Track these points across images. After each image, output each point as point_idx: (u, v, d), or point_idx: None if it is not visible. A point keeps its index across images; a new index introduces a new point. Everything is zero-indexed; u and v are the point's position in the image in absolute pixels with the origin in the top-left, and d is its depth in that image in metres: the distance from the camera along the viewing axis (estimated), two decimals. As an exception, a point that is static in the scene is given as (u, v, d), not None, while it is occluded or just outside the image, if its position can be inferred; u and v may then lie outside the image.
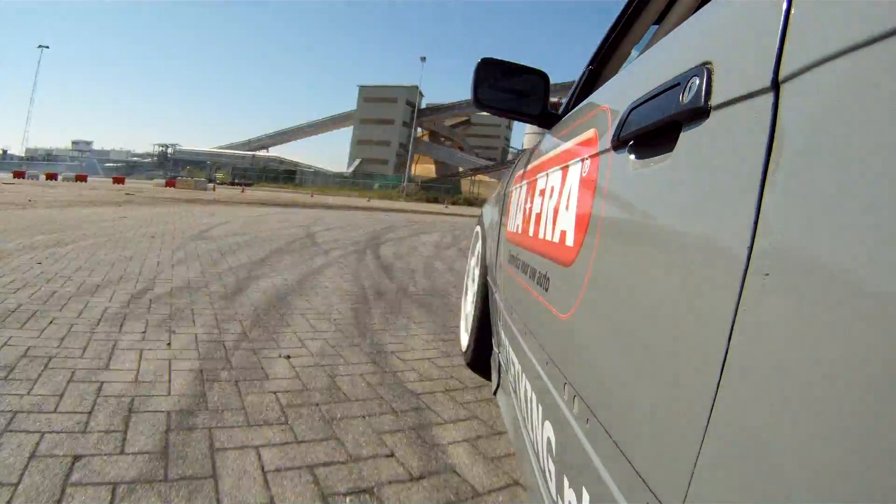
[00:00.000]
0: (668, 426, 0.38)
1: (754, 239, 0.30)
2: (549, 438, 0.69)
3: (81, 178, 29.34)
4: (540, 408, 0.76)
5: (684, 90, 0.41)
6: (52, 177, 29.96)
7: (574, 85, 1.18)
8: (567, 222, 0.71)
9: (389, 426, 1.38)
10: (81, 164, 66.72)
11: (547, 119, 1.18)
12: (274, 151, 67.48)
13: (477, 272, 2.06)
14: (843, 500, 0.22)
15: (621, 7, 1.04)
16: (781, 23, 0.32)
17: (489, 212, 1.85)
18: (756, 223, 0.30)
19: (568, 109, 1.12)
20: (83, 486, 0.98)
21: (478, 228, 2.13)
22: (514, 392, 1.03)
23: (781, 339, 0.28)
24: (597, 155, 0.65)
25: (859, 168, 0.25)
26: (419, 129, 56.47)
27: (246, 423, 1.31)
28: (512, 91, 1.23)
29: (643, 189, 0.49)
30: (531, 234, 0.97)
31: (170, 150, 69.90)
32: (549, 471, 0.67)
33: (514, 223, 1.23)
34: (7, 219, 5.71)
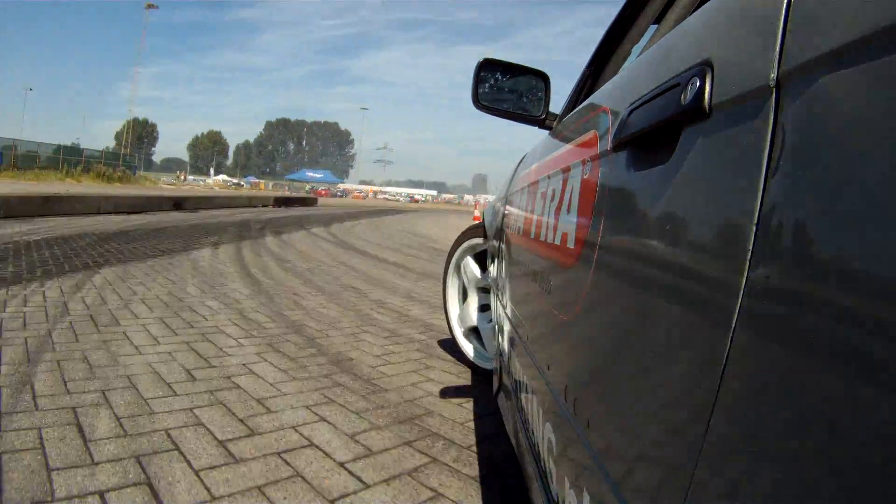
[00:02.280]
0: (668, 428, 0.38)
1: (755, 240, 0.30)
2: (549, 440, 0.69)
3: None
4: (541, 409, 0.76)
5: (684, 90, 0.41)
6: None
7: (574, 86, 1.18)
8: (568, 224, 0.71)
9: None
10: None
11: (548, 121, 1.17)
12: None
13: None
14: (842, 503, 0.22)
15: (620, 6, 1.05)
16: (781, 21, 0.31)
17: (490, 215, 1.84)
18: (757, 224, 0.30)
19: (568, 111, 1.12)
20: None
21: (472, 241, 2.11)
22: (515, 393, 1.03)
23: (783, 341, 0.27)
24: (597, 157, 0.64)
25: (860, 167, 0.25)
26: None
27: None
28: (512, 92, 1.23)
29: (644, 190, 0.49)
30: (532, 236, 0.97)
31: None
32: (550, 472, 0.67)
33: (516, 226, 1.22)
34: None
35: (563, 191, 0.78)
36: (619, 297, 0.51)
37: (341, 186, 70.61)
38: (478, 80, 1.19)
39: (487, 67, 1.20)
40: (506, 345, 1.22)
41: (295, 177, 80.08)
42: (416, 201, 65.64)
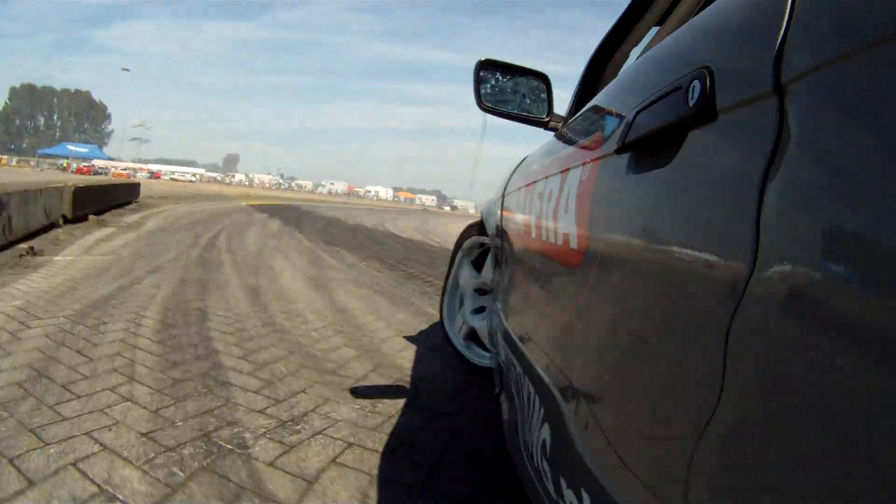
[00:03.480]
0: (667, 429, 0.39)
1: (760, 242, 0.30)
2: (548, 440, 0.69)
3: None
4: (540, 410, 0.76)
5: (689, 93, 0.41)
6: None
7: (576, 87, 1.15)
8: (571, 225, 0.71)
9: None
10: None
11: (552, 122, 1.15)
12: None
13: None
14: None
15: (623, 8, 1.03)
16: (784, 26, 0.32)
17: (490, 215, 1.81)
18: (762, 226, 0.30)
19: (573, 113, 1.11)
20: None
21: (472, 240, 2.10)
22: (515, 394, 1.03)
23: (783, 343, 0.28)
24: (601, 158, 0.65)
25: (863, 170, 0.25)
26: None
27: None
28: (513, 93, 1.22)
29: (648, 192, 0.49)
30: (534, 236, 0.97)
31: None
32: (548, 473, 0.67)
33: (517, 226, 1.21)
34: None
35: (566, 191, 0.78)
36: (621, 298, 0.51)
37: (103, 163, 53.88)
38: (478, 80, 1.17)
39: (486, 68, 1.19)
40: (505, 344, 1.21)
41: (52, 151, 59.49)
42: (177, 180, 54.96)
